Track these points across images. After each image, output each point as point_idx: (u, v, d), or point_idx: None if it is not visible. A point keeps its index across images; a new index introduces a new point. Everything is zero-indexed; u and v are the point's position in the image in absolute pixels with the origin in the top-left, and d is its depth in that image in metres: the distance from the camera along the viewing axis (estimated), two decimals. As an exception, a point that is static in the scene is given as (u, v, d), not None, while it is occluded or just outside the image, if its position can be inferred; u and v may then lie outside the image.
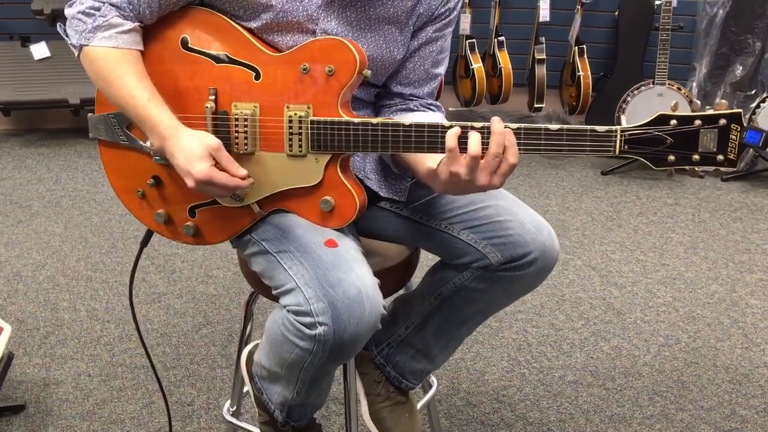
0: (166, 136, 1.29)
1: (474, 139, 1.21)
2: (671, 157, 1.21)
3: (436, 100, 1.55)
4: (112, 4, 1.32)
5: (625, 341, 2.42)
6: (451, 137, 1.22)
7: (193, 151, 1.26)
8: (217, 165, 1.28)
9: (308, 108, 1.31)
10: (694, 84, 4.15)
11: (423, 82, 1.49)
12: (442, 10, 1.45)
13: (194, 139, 1.28)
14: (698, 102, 1.25)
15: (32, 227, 3.18)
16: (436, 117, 1.48)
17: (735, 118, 1.18)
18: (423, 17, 1.44)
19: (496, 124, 1.21)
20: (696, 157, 1.21)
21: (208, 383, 2.16)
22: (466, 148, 1.22)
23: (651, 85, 3.83)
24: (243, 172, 1.29)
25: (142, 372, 2.19)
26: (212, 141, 1.28)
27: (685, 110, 1.22)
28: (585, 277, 2.84)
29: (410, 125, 1.28)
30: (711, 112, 1.20)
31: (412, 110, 1.49)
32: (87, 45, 1.33)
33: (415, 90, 1.49)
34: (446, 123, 1.26)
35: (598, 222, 3.38)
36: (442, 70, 1.52)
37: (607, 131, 1.22)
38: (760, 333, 2.49)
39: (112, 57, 1.32)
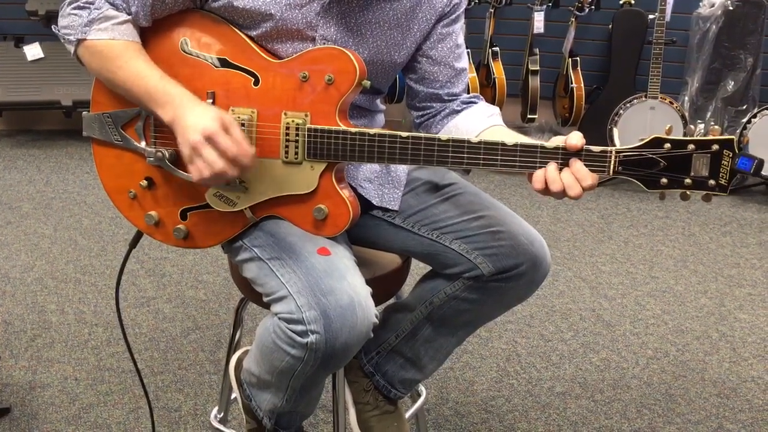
0: (180, 104, 1.27)
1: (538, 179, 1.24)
2: (664, 180, 1.22)
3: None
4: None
5: (614, 353, 2.42)
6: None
7: (206, 112, 1.25)
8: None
9: (306, 115, 1.31)
10: (686, 98, 4.17)
11: (454, 79, 1.50)
12: (448, 9, 1.46)
13: (211, 107, 1.27)
14: (693, 127, 1.25)
15: (21, 229, 3.16)
16: (493, 119, 1.48)
17: (728, 144, 1.19)
18: (431, 19, 1.44)
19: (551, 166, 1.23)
20: (688, 180, 1.21)
21: (196, 389, 2.15)
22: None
23: (643, 99, 3.85)
24: (252, 149, 1.27)
25: (129, 377, 2.18)
26: (229, 117, 1.27)
27: (678, 131, 1.23)
28: (575, 289, 2.85)
29: (407, 137, 1.28)
30: (704, 137, 1.20)
31: (457, 111, 1.50)
32: (85, 38, 1.33)
33: (451, 89, 1.50)
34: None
35: (588, 234, 3.39)
36: (464, 64, 1.53)
37: (602, 152, 1.22)
38: (748, 347, 2.50)
39: (115, 46, 1.32)
